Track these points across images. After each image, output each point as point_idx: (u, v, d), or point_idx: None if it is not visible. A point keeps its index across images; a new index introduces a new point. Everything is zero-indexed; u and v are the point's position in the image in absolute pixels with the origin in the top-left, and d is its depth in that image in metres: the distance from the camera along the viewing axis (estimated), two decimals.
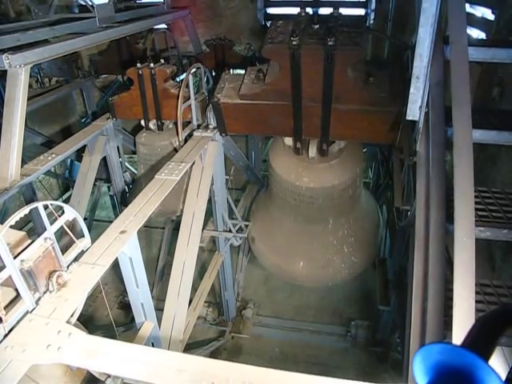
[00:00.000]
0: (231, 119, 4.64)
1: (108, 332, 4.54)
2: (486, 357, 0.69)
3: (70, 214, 2.55)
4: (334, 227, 5.39)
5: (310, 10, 4.59)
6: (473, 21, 5.06)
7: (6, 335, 2.18)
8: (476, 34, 5.17)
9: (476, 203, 2.50)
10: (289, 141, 4.76)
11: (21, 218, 2.24)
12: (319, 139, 4.51)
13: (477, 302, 2.30)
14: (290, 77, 3.99)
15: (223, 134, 4.84)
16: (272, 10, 8.27)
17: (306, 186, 4.84)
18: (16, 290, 2.27)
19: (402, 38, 5.90)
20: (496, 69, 4.48)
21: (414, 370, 0.74)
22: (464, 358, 0.68)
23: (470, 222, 1.94)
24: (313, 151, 4.69)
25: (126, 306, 7.10)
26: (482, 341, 0.74)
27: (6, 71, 3.64)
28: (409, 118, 2.64)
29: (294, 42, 3.71)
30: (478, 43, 2.80)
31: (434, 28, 2.24)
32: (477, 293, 2.38)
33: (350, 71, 3.95)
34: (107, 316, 5.51)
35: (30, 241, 2.40)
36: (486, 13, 4.92)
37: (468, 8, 5.11)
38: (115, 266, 3.04)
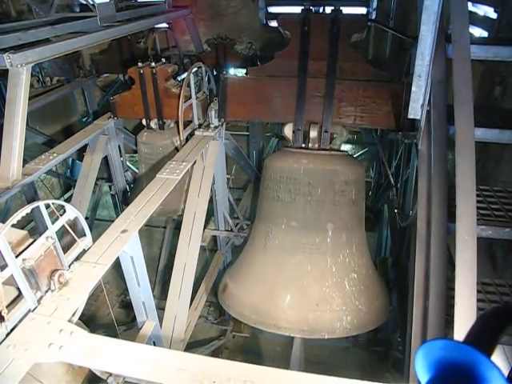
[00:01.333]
0: (235, 100, 4.73)
1: (109, 331, 4.55)
2: (488, 353, 0.69)
3: (72, 213, 2.55)
4: (334, 244, 4.39)
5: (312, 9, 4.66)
6: (475, 19, 5.06)
7: (8, 334, 2.19)
8: (478, 32, 5.16)
9: (478, 202, 2.50)
10: (289, 130, 4.64)
11: (22, 217, 2.24)
12: (321, 123, 4.45)
13: (478, 300, 2.29)
14: (298, 46, 4.27)
15: (223, 119, 4.85)
16: (273, 9, 8.26)
17: (304, 168, 4.32)
18: (18, 288, 2.27)
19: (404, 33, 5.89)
20: (498, 67, 4.47)
21: (415, 366, 0.74)
22: (466, 354, 0.68)
23: (471, 221, 1.94)
24: (314, 135, 4.52)
25: (127, 305, 7.11)
26: (484, 337, 0.74)
27: (7, 70, 3.64)
28: (410, 116, 2.64)
29: (306, 6, 4.22)
30: (481, 41, 2.81)
31: (436, 26, 2.23)
32: (478, 291, 2.38)
33: (353, 49, 4.26)
34: (109, 315, 5.52)
35: (31, 240, 2.40)
36: (488, 11, 4.92)
37: (470, 6, 5.09)
38: (116, 265, 3.04)
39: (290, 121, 4.57)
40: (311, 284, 4.37)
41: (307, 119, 4.48)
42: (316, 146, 4.55)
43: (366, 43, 7.69)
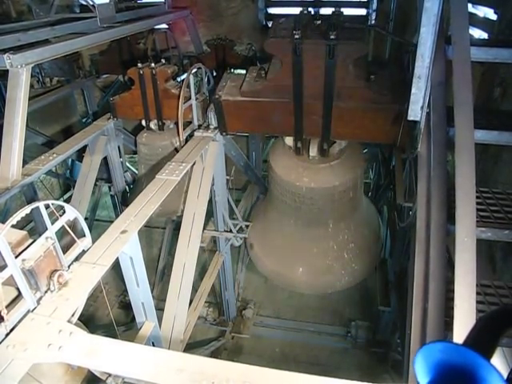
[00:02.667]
0: (232, 117, 4.64)
1: (109, 331, 4.55)
2: (488, 355, 0.69)
3: (71, 213, 2.55)
4: (335, 231, 5.30)
5: (311, 11, 4.56)
6: (475, 21, 5.07)
7: (7, 334, 2.19)
8: (478, 34, 5.17)
9: (477, 204, 2.50)
10: (289, 141, 4.75)
11: (22, 218, 2.24)
12: (320, 138, 4.49)
13: (478, 302, 2.29)
14: (291, 72, 4.01)
15: (224, 134, 4.83)
16: (273, 10, 8.27)
17: (306, 187, 4.79)
18: (17, 289, 2.27)
19: (403, 36, 5.89)
20: (497, 69, 4.48)
21: (415, 369, 0.74)
22: (466, 357, 0.68)
23: (471, 222, 1.93)
24: (313, 151, 4.67)
25: (126, 306, 7.10)
26: (483, 340, 0.74)
27: (7, 71, 3.65)
28: (410, 118, 2.64)
29: (297, 36, 3.75)
30: (481, 43, 2.80)
31: (435, 28, 2.23)
32: (478, 293, 2.37)
33: (351, 68, 3.96)
34: (108, 315, 5.54)
35: (31, 240, 2.40)
36: (488, 13, 4.93)
37: (470, 8, 5.10)
38: (116, 266, 3.04)
39: (290, 135, 4.65)
40: (317, 259, 5.41)
41: (306, 135, 4.53)
42: (316, 158, 4.77)
43: (367, 47, 7.70)
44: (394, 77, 4.24)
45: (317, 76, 3.96)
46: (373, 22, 7.61)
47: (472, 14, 5.10)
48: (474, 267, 1.84)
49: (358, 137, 4.42)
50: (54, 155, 4.23)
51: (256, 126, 4.75)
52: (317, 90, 4.04)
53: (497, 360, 2.41)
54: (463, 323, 1.84)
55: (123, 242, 2.83)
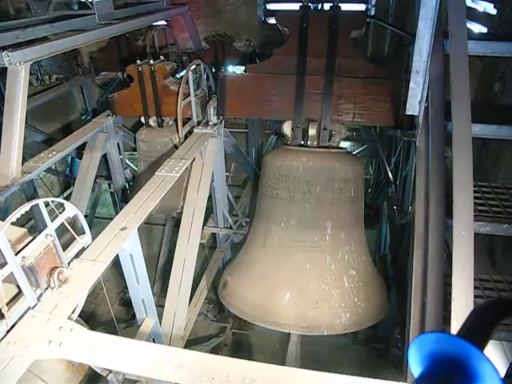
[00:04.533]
0: (233, 98, 4.70)
1: (109, 328, 4.56)
2: (481, 346, 0.69)
3: (71, 210, 2.56)
4: (334, 242, 4.41)
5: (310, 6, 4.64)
6: (475, 15, 5.05)
7: (8, 331, 2.19)
8: (478, 28, 5.16)
9: (476, 198, 2.50)
10: (287, 128, 4.60)
11: (22, 216, 2.25)
12: (319, 121, 4.43)
13: (476, 296, 2.29)
14: (297, 43, 4.24)
15: (221, 117, 4.83)
16: (272, 6, 8.25)
17: (303, 166, 4.29)
18: (18, 286, 2.28)
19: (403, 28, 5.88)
20: (497, 64, 4.48)
21: (408, 359, 0.74)
22: (459, 347, 0.68)
23: (469, 216, 1.93)
24: (313, 133, 4.50)
25: (127, 303, 7.12)
26: (477, 330, 0.74)
27: (6, 69, 3.64)
28: (408, 113, 2.64)
29: (304, 3, 4.15)
30: (480, 37, 2.80)
31: (434, 22, 2.23)
32: (476, 288, 2.38)
33: (352, 44, 4.22)
34: (108, 312, 5.55)
35: (31, 237, 2.41)
36: (488, 7, 4.92)
37: (470, 3, 5.10)
38: (116, 263, 3.05)
39: (289, 118, 4.54)
40: (310, 281, 4.39)
41: (306, 117, 4.45)
42: (315, 143, 4.52)
43: (365, 40, 7.68)
44: (392, 74, 4.31)
45: (320, 47, 4.19)
46: (372, 13, 7.61)
47: (471, 9, 5.09)
48: (471, 261, 1.84)
49: (358, 118, 4.40)
50: (54, 152, 4.22)
51: (256, 109, 4.75)
52: (319, 62, 4.22)
53: (496, 354, 2.41)
54: (460, 317, 1.85)
55: (123, 239, 2.83)
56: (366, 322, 4.47)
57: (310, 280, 4.39)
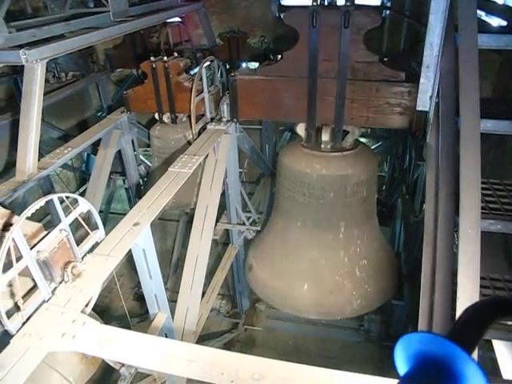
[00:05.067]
0: (245, 101, 4.66)
1: (123, 322, 4.63)
2: (470, 347, 0.67)
3: (84, 205, 2.60)
4: (346, 238, 4.78)
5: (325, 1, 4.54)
6: (494, 9, 4.94)
7: (23, 323, 2.25)
8: (497, 22, 5.05)
9: (487, 196, 2.44)
10: (301, 129, 4.65)
11: (39, 211, 2.29)
12: (333, 124, 4.42)
13: (486, 295, 2.25)
14: (307, 46, 4.07)
15: (235, 120, 4.82)
16: (286, 2, 8.21)
17: (317, 174, 4.52)
18: (33, 280, 2.32)
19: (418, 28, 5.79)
20: None
21: (395, 358, 0.73)
22: (444, 348, 0.66)
23: (475, 214, 1.88)
24: (326, 141, 4.56)
25: (141, 298, 7.19)
26: (466, 331, 0.73)
27: (23, 66, 3.70)
28: (419, 108, 2.59)
29: (314, 3, 3.87)
30: (496, 30, 2.72)
31: (445, 15, 2.18)
32: (487, 287, 2.33)
33: (365, 43, 4.01)
34: (123, 307, 5.62)
35: (45, 232, 2.45)
36: (508, 0, 4.81)
37: None
38: (130, 258, 3.09)
39: (303, 121, 4.57)
40: (326, 274, 4.86)
41: (319, 120, 4.45)
42: (328, 147, 4.60)
43: (380, 35, 7.59)
44: (407, 68, 4.21)
45: (332, 49, 4.01)
46: (387, 12, 7.51)
47: (491, 2, 4.98)
48: (477, 260, 1.79)
49: (371, 122, 4.35)
50: (69, 149, 4.28)
51: (269, 111, 4.73)
52: (331, 65, 4.08)
53: (509, 354, 2.37)
54: None
55: (136, 234, 2.86)
56: (374, 305, 5.00)
57: (325, 272, 4.85)
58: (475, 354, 1.66)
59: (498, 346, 2.08)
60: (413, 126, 3.99)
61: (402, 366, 0.73)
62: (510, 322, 2.00)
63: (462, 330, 0.73)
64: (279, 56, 4.56)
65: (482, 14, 4.94)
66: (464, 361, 0.65)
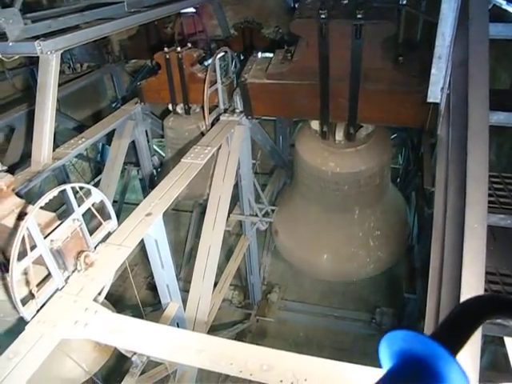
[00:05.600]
0: (258, 101, 4.63)
1: (137, 312, 4.69)
2: (453, 347, 0.66)
3: (97, 196, 2.62)
4: (360, 218, 5.22)
5: None
6: None
7: (38, 310, 2.29)
8: None
9: (497, 190, 2.38)
10: (315, 124, 4.70)
11: (55, 201, 2.33)
12: (346, 122, 4.42)
13: (495, 291, 2.21)
14: (317, 53, 3.96)
15: (249, 117, 4.82)
16: None
17: (331, 171, 4.71)
18: (47, 268, 2.37)
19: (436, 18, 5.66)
20: None
21: (380, 355, 0.72)
22: (426, 347, 0.65)
23: (482, 209, 1.82)
24: (340, 135, 4.59)
25: (154, 287, 7.25)
26: (450, 331, 0.70)
27: (38, 57, 3.74)
28: (430, 100, 2.54)
29: (323, 16, 3.68)
30: None
31: (458, 4, 2.11)
32: (496, 283, 2.28)
33: (379, 48, 3.86)
34: (136, 296, 5.70)
35: (59, 222, 2.49)
36: None
37: None
38: (144, 248, 3.12)
39: (316, 118, 4.60)
40: (343, 247, 5.37)
41: (332, 118, 4.46)
42: (342, 142, 4.67)
43: (396, 27, 7.45)
44: (424, 58, 4.10)
45: (343, 57, 3.90)
46: (404, 1, 7.34)
47: None
48: (483, 255, 1.74)
49: (385, 121, 4.33)
50: (83, 139, 4.33)
51: (282, 110, 4.74)
52: (343, 71, 3.97)
53: None
54: None
55: (148, 225, 2.89)
56: (386, 266, 5.52)
57: (342, 245, 5.36)
58: (475, 349, 1.64)
59: (510, 342, 2.05)
60: (426, 125, 3.95)
61: (385, 363, 0.72)
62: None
63: (447, 329, 0.71)
64: (292, 48, 4.52)
65: (502, 2, 4.81)
66: (446, 361, 0.63)
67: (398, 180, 7.80)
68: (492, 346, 3.65)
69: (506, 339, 2.07)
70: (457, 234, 1.91)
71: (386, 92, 4.01)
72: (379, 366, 1.86)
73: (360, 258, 5.32)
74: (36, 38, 3.70)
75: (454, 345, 0.67)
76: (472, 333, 0.71)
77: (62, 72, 6.59)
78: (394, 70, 3.95)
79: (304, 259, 5.66)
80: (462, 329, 0.71)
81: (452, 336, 0.69)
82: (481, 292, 1.71)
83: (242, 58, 7.25)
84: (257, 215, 5.75)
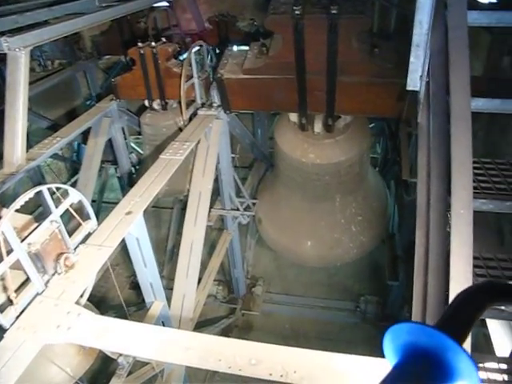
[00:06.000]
0: (235, 95, 4.60)
1: (120, 312, 4.62)
2: (460, 337, 0.64)
3: (75, 196, 2.56)
4: (342, 205, 5.31)
5: None
6: None
7: (17, 317, 2.22)
8: None
9: (479, 175, 2.41)
10: (294, 117, 4.70)
11: (31, 203, 2.26)
12: (324, 114, 4.43)
13: (479, 275, 2.25)
14: (293, 49, 3.94)
15: (227, 112, 4.78)
16: None
17: (312, 163, 4.75)
18: (25, 272, 2.30)
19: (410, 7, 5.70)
20: (506, 38, 4.34)
21: (384, 350, 0.70)
22: (433, 339, 0.63)
23: (467, 194, 1.84)
24: (318, 126, 4.61)
25: (137, 286, 7.18)
26: (455, 320, 0.69)
27: (6, 55, 3.60)
28: (409, 88, 2.55)
29: (297, 12, 3.64)
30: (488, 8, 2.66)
31: None
32: (480, 267, 2.32)
33: (354, 41, 3.87)
34: (119, 296, 5.64)
35: (36, 224, 2.41)
36: None
37: None
38: (126, 247, 3.06)
39: (294, 111, 4.62)
40: (326, 233, 5.49)
41: (311, 110, 4.46)
42: (321, 133, 4.70)
43: (371, 20, 7.48)
44: (399, 48, 4.13)
45: (319, 51, 3.88)
46: None
47: None
48: (470, 240, 1.76)
49: (362, 111, 4.37)
50: (58, 139, 4.21)
51: (260, 104, 4.73)
52: (319, 65, 3.96)
53: (503, 333, 2.38)
54: None
55: (128, 223, 2.83)
56: (368, 250, 5.71)
57: (325, 231, 5.48)
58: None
59: (492, 324, 2.09)
60: (403, 115, 4.00)
61: (391, 357, 0.69)
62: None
63: (451, 319, 0.69)
64: (267, 41, 4.49)
65: None
66: (455, 352, 0.62)
67: (377, 169, 7.87)
68: (474, 328, 3.72)
69: (489, 321, 2.11)
70: (442, 220, 1.93)
71: (362, 84, 4.04)
72: (365, 354, 1.87)
73: (343, 243, 5.44)
74: (1, 34, 3.56)
75: (460, 335, 0.65)
76: (475, 321, 0.69)
77: (32, 70, 6.39)
78: (370, 62, 3.97)
79: (288, 247, 5.75)
80: (465, 318, 0.69)
81: (457, 326, 0.67)
82: (469, 276, 1.73)
83: (217, 51, 7.18)
84: (238, 209, 5.72)
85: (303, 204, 5.41)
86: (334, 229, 5.43)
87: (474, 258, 1.79)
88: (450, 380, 0.62)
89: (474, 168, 1.94)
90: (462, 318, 0.70)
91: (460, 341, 0.64)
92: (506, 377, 1.91)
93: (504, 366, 1.95)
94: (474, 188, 1.92)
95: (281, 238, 5.81)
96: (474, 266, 1.80)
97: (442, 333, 0.63)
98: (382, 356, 1.82)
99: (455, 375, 0.62)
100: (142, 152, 6.54)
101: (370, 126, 8.02)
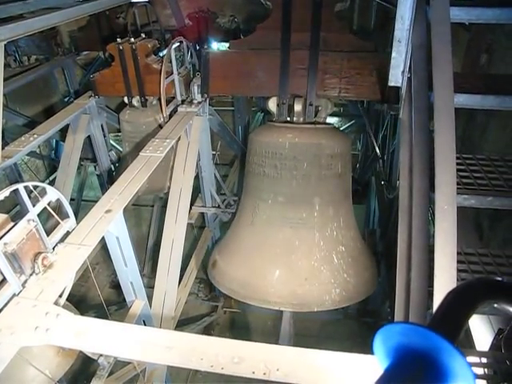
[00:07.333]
0: (217, 75, 4.66)
1: (101, 311, 4.56)
2: (453, 337, 0.63)
3: (53, 194, 2.51)
4: (321, 214, 4.44)
5: None
6: None
7: None
8: None
9: (460, 171, 2.46)
10: (273, 104, 4.59)
11: (8, 202, 2.20)
12: (305, 97, 4.40)
13: (461, 271, 2.29)
14: (280, 17, 4.16)
15: (206, 95, 4.79)
16: None
17: (289, 142, 4.33)
18: (1, 273, 2.24)
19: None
20: (484, 35, 4.42)
21: (374, 351, 0.69)
22: (427, 340, 0.61)
23: (451, 190, 1.88)
24: (298, 109, 4.49)
25: (118, 285, 7.09)
26: (448, 320, 0.67)
27: None
28: (391, 84, 2.59)
29: None
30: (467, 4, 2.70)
31: None
32: (461, 262, 2.37)
33: (337, 19, 4.18)
34: (100, 296, 5.58)
35: (12, 223, 2.36)
36: None
37: None
38: (105, 246, 3.02)
39: (274, 94, 4.52)
40: (299, 258, 4.44)
41: (291, 92, 4.43)
42: (301, 119, 4.53)
43: (350, 13, 7.53)
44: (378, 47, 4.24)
45: (304, 21, 4.10)
46: None
47: None
48: (454, 236, 1.79)
49: (344, 93, 4.38)
50: (35, 136, 4.12)
51: (240, 86, 4.73)
52: (304, 36, 4.15)
53: (483, 328, 2.43)
54: (443, 293, 1.82)
55: (108, 222, 2.79)
56: (355, 298, 4.56)
57: (298, 257, 4.44)
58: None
59: (472, 319, 2.13)
60: (385, 97, 4.07)
61: (382, 359, 0.68)
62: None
63: (444, 318, 0.68)
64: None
65: None
66: (449, 353, 0.60)
67: (358, 166, 7.95)
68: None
69: None
70: (424, 216, 1.95)
71: (344, 57, 4.18)
72: (349, 350, 1.88)
73: (322, 278, 4.40)
74: None
75: (454, 335, 0.64)
76: (467, 320, 0.69)
77: (7, 65, 6.24)
78: (352, 36, 4.28)
79: (247, 283, 4.51)
80: (458, 317, 0.68)
81: (450, 325, 0.66)
82: (454, 272, 1.75)
83: (197, 48, 7.13)
84: (219, 206, 5.71)
85: (273, 213, 4.54)
86: (311, 252, 4.46)
87: (457, 253, 1.82)
88: (445, 381, 0.61)
89: (456, 164, 1.97)
90: (455, 317, 0.68)
91: (454, 341, 0.63)
92: (486, 370, 1.95)
93: (484, 360, 1.99)
94: (457, 184, 1.95)
95: (238, 272, 4.61)
96: (457, 262, 1.82)
97: (435, 333, 0.61)
98: (366, 352, 1.85)
99: (450, 376, 0.61)
100: (121, 149, 6.46)
101: (350, 123, 8.13)
